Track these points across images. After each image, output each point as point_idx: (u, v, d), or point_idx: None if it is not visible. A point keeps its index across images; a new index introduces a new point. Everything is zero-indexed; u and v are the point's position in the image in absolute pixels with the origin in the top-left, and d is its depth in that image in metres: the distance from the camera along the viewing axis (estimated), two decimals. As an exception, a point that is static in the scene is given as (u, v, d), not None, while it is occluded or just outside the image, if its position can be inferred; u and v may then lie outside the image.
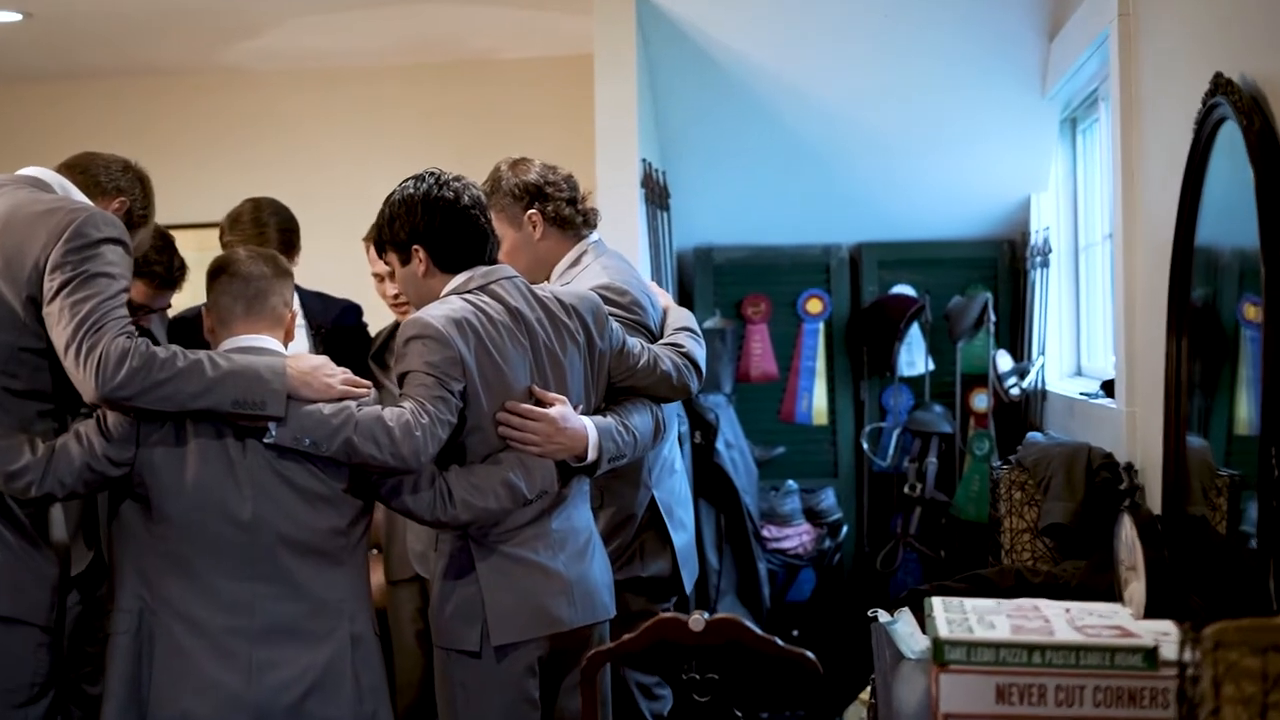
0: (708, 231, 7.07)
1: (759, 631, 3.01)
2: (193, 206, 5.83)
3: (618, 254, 4.09)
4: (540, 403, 3.43)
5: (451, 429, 3.31)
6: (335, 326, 4.74)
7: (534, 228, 3.97)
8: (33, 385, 3.18)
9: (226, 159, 7.02)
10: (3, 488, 3.12)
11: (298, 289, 4.68)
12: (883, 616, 3.25)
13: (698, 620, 3.01)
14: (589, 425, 3.48)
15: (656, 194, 5.92)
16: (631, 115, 5.62)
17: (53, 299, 3.10)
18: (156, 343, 4.29)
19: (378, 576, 4.74)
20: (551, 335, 3.48)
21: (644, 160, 5.69)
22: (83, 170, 3.46)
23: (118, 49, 6.60)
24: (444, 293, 3.46)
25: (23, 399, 3.19)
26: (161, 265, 4.10)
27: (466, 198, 3.46)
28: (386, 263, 3.57)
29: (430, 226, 3.43)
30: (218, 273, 3.42)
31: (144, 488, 3.19)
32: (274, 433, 3.18)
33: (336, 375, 3.28)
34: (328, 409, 3.20)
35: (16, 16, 5.96)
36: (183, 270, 4.14)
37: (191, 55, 6.81)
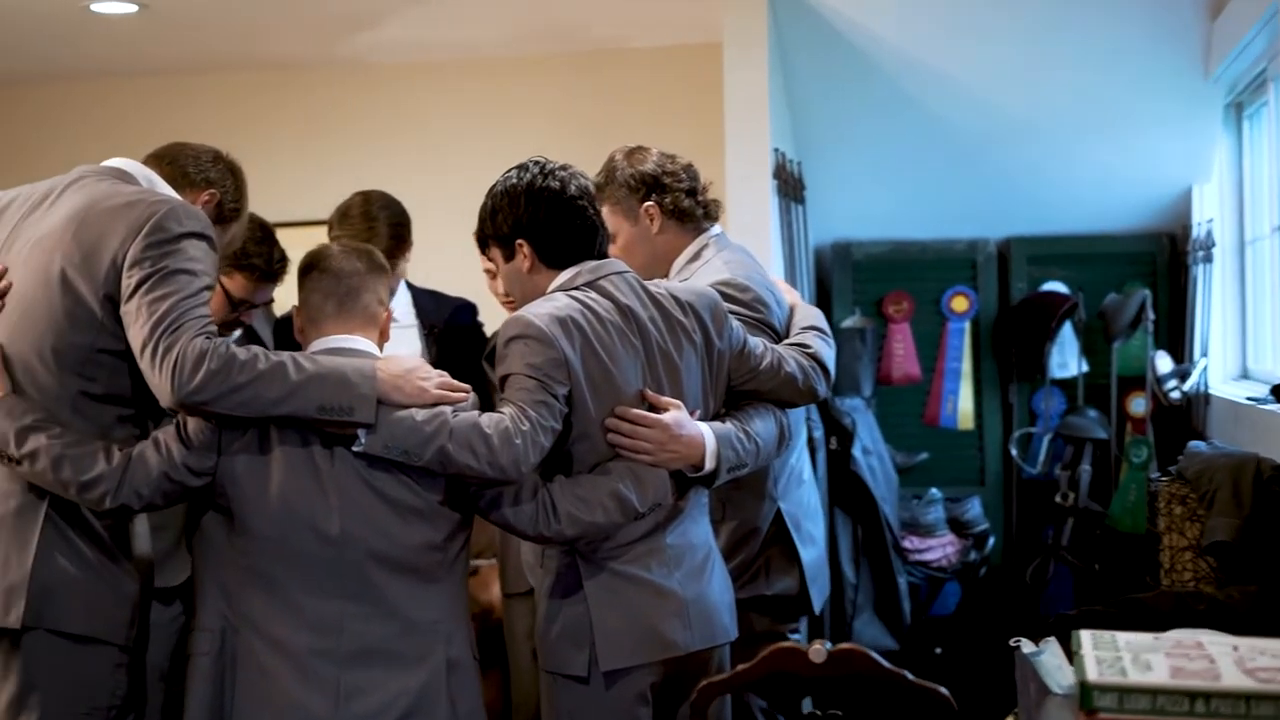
0: (846, 226, 6.88)
1: (886, 664, 2.74)
2: (308, 203, 5.69)
3: (741, 248, 3.84)
4: (653, 408, 3.21)
5: (555, 436, 3.10)
6: (449, 326, 4.56)
7: (651, 221, 3.75)
8: (111, 389, 3.01)
9: (344, 154, 6.88)
10: (76, 498, 2.95)
11: (410, 287, 4.53)
12: (1027, 646, 2.95)
13: (819, 650, 2.76)
14: (706, 432, 3.25)
15: (790, 186, 5.68)
16: (763, 103, 5.40)
17: (130, 297, 2.94)
18: (258, 340, 4.22)
19: (494, 589, 4.56)
20: (666, 335, 3.26)
21: (776, 150, 5.45)
22: (170, 161, 3.29)
23: (234, 42, 6.50)
24: (550, 290, 3.25)
25: (101, 403, 3.02)
26: (261, 257, 3.95)
27: (573, 187, 3.25)
28: (489, 259, 3.37)
29: (534, 219, 3.23)
30: (308, 269, 3.24)
31: (225, 499, 3.01)
32: (363, 440, 2.98)
33: (431, 378, 3.07)
34: (421, 415, 3.00)
35: (133, 9, 5.87)
36: (284, 262, 3.98)
37: (309, 48, 6.69)
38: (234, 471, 2.99)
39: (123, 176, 3.19)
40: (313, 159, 6.90)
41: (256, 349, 2.94)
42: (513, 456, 2.99)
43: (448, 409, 3.03)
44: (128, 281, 2.95)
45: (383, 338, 3.24)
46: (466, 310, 4.64)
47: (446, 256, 5.39)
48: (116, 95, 7.14)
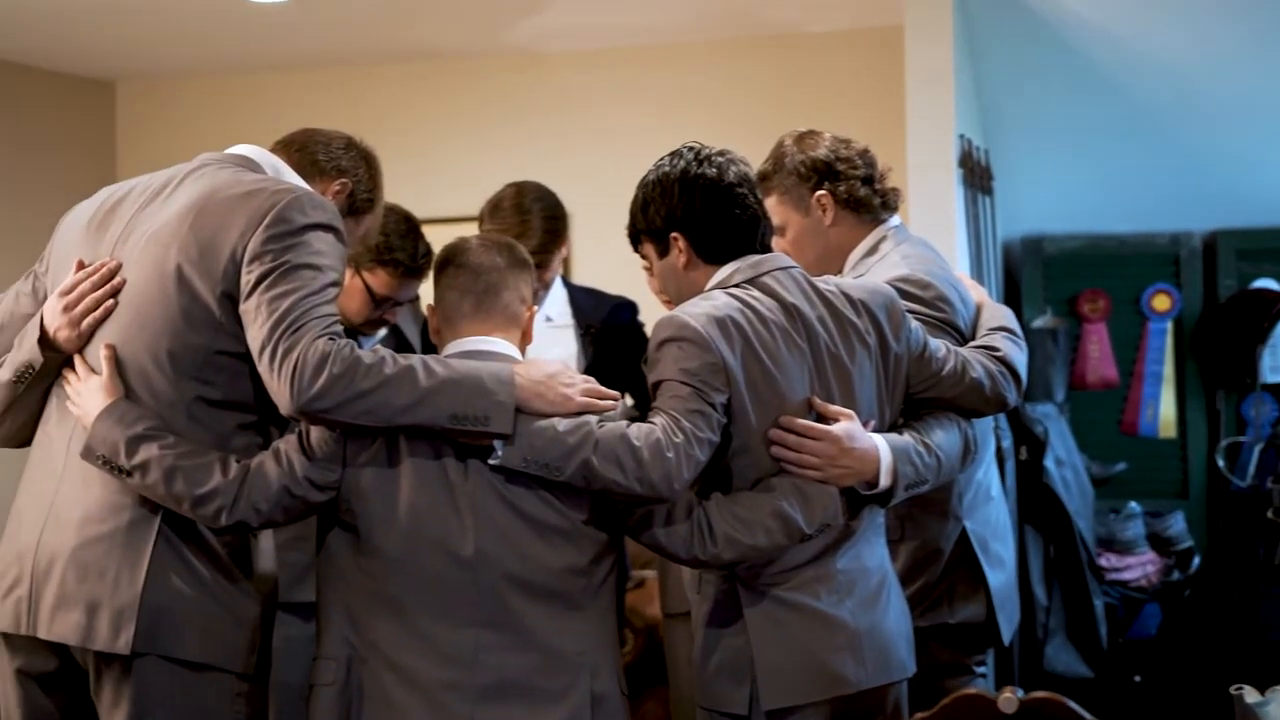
0: (1037, 218, 6.60)
1: (1086, 715, 2.42)
2: (466, 198, 5.45)
3: (922, 241, 3.57)
4: (822, 418, 2.95)
5: (713, 449, 2.85)
6: (606, 326, 4.33)
7: (824, 211, 3.49)
8: (231, 394, 2.81)
9: (504, 148, 6.65)
10: (190, 513, 2.75)
11: (567, 284, 4.35)
12: (1250, 695, 2.61)
13: (1009, 700, 2.45)
14: (881, 445, 2.98)
15: (977, 176, 5.37)
16: (947, 87, 5.10)
17: (250, 294, 2.74)
18: (404, 340, 4.03)
19: (654, 608, 4.34)
20: (836, 336, 2.99)
21: (962, 137, 5.15)
22: (299, 148, 3.09)
23: (389, 31, 6.34)
24: (708, 287, 3.02)
25: (220, 410, 2.83)
26: (405, 251, 3.79)
27: (731, 174, 3.00)
28: (643, 255, 3.14)
29: (689, 210, 2.99)
30: (444, 264, 3.01)
31: (351, 515, 2.79)
32: (500, 453, 2.74)
33: (576, 384, 2.83)
34: (563, 425, 2.75)
35: (286, -1, 5.72)
36: (429, 257, 3.80)
37: (469, 36, 6.50)
38: (360, 486, 2.77)
39: (247, 164, 2.99)
40: (471, 152, 6.68)
41: (384, 351, 2.72)
42: (664, 472, 2.74)
43: (593, 419, 2.79)
44: (247, 278, 2.75)
45: (525, 339, 3.01)
46: (626, 309, 4.41)
47: (612, 253, 5.07)
48: (271, 88, 7.03)
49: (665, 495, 2.77)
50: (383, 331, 3.97)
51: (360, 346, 2.74)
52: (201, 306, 2.79)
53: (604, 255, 5.08)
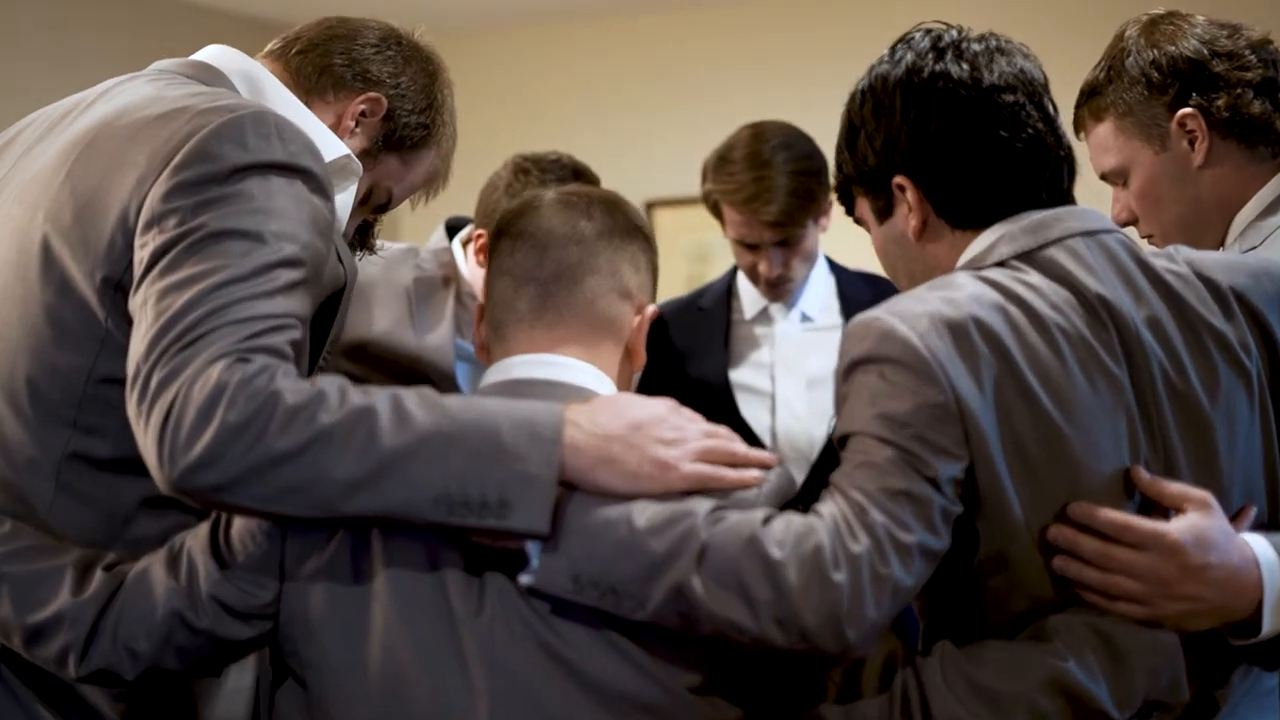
0: None
1: None
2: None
3: None
4: (1150, 504, 1.73)
5: (933, 564, 1.66)
6: None
7: (1192, 142, 2.24)
8: (129, 449, 1.71)
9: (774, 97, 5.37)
10: (23, 651, 1.71)
11: (834, 268, 3.23)
12: None
13: None
14: (1265, 555, 1.74)
15: None
16: None
17: (140, 282, 1.69)
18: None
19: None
20: (1184, 355, 1.77)
21: None
22: (303, 49, 2.06)
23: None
24: (958, 266, 1.84)
25: (110, 475, 1.80)
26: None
27: (996, 72, 1.82)
28: (856, 217, 1.98)
29: (921, 135, 1.83)
30: (497, 236, 1.87)
31: (298, 664, 1.69)
32: (535, 564, 1.59)
33: (687, 438, 1.67)
34: (646, 517, 1.61)
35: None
36: None
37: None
38: (307, 616, 1.68)
39: (200, 74, 1.94)
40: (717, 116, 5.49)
41: (327, 382, 1.61)
42: (828, 609, 1.57)
43: (703, 504, 1.61)
44: (140, 254, 1.70)
45: (632, 362, 1.86)
46: None
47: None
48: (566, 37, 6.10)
49: (830, 650, 1.59)
50: None
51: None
52: (76, 304, 1.76)
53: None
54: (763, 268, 3.06)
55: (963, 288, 1.73)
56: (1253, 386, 1.77)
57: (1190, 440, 1.74)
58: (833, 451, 1.75)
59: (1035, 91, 1.83)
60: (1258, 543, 1.72)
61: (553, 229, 1.82)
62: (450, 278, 2.85)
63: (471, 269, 2.80)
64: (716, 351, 3.12)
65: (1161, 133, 2.23)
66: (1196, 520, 1.68)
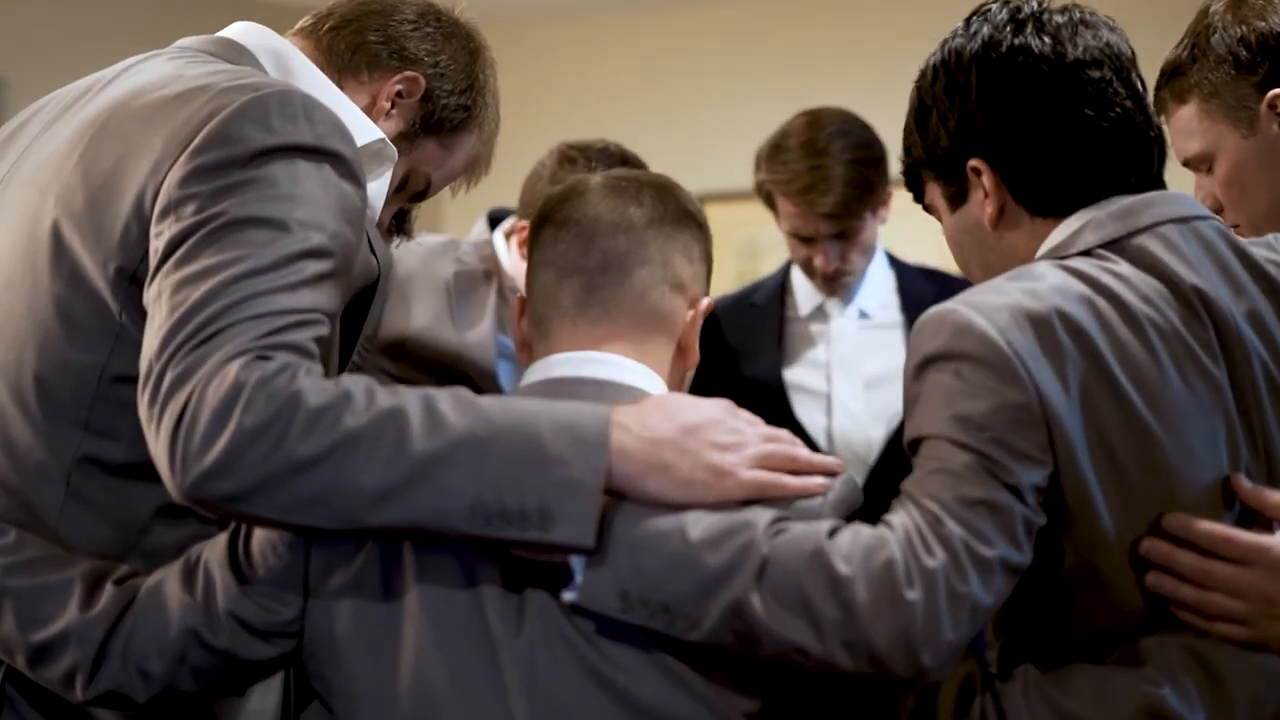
0: None
1: None
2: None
3: None
4: (1252, 515, 1.61)
5: (1014, 579, 1.53)
6: None
7: None
8: (145, 454, 1.59)
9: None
10: (29, 671, 1.61)
11: (894, 263, 3.12)
12: None
13: None
14: None
15: None
16: None
17: (155, 274, 1.57)
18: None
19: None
20: None
21: None
22: (335, 25, 1.94)
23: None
24: (1039, 255, 1.71)
25: (125, 481, 1.68)
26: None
27: (1081, 47, 1.70)
28: (926, 205, 1.87)
29: (999, 113, 1.71)
30: (540, 223, 1.75)
31: (324, 687, 1.58)
32: (579, 579, 1.48)
33: (746, 442, 1.55)
34: (702, 529, 1.49)
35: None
36: None
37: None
38: (333, 635, 1.57)
39: (224, 51, 1.83)
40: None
41: (353, 381, 1.50)
42: (901, 630, 1.46)
43: (763, 515, 1.50)
44: (155, 244, 1.59)
45: (685, 360, 1.73)
46: None
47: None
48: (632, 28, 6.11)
49: (902, 674, 1.47)
50: None
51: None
52: (88, 296, 1.65)
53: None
54: (819, 261, 2.95)
55: (1045, 278, 1.61)
56: (1358, 388, 1.64)
57: (1299, 444, 1.61)
58: (892, 456, 1.64)
59: (1123, 67, 1.71)
60: (1375, 560, 1.59)
61: (600, 216, 1.70)
62: (492, 271, 2.77)
63: (514, 262, 2.73)
64: (770, 349, 3.00)
65: (1250, 115, 2.09)
66: (1307, 533, 1.56)
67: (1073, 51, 1.68)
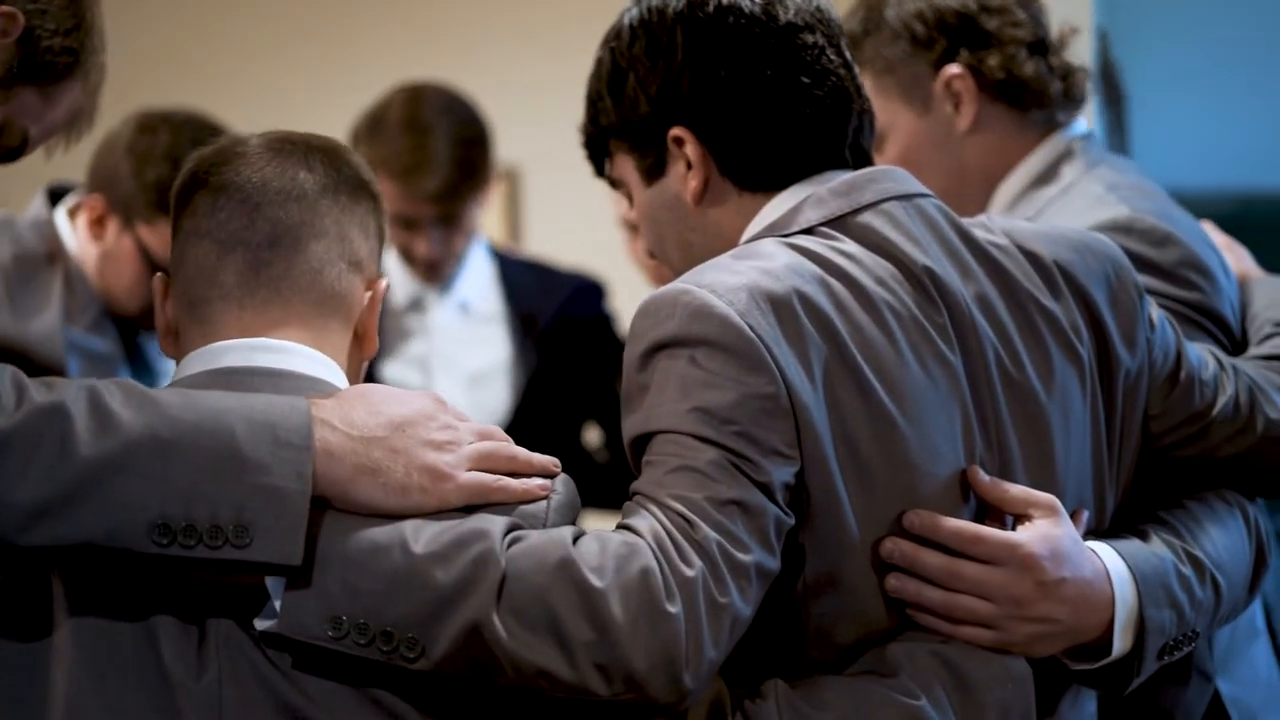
0: (1171, 169, 5.24)
1: None
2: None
3: (1128, 163, 2.27)
4: (987, 509, 1.56)
5: (765, 585, 1.43)
6: (560, 318, 3.14)
7: (956, 105, 2.14)
8: None
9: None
10: None
11: (495, 254, 3.13)
12: None
13: None
14: (1113, 565, 1.59)
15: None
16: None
17: None
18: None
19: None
20: (1015, 336, 1.61)
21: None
22: None
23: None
24: (746, 236, 1.63)
25: None
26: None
27: (791, 10, 1.64)
28: (614, 180, 1.76)
29: (706, 78, 1.63)
30: (189, 188, 1.54)
31: None
32: (276, 604, 1.31)
33: (460, 440, 1.43)
34: (425, 540, 1.34)
35: None
36: None
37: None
38: None
39: None
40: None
41: (9, 370, 1.28)
42: (663, 648, 1.35)
43: (497, 523, 1.36)
44: None
45: (364, 347, 1.59)
46: (590, 293, 3.23)
47: (572, 211, 3.92)
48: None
49: (662, 699, 1.35)
50: None
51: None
52: None
53: (557, 213, 3.86)
54: (420, 248, 2.88)
55: (775, 257, 1.51)
56: (1085, 374, 1.62)
57: (1027, 436, 1.58)
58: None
59: (834, 34, 1.67)
60: (1106, 553, 1.58)
61: (266, 181, 1.50)
62: (56, 254, 2.54)
63: (81, 244, 2.54)
64: None
65: (924, 93, 2.12)
66: (1047, 529, 1.52)
67: (784, 14, 1.62)
